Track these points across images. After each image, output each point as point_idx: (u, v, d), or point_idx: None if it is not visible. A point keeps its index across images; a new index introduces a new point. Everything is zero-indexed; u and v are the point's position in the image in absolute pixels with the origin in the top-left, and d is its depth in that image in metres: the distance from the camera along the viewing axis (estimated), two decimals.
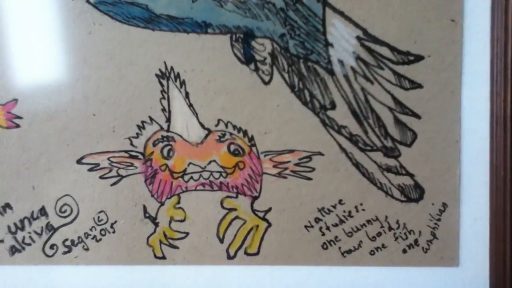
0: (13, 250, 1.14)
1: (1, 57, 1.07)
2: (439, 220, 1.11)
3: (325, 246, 1.12)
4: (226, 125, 1.08)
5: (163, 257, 1.13)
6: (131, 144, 1.10)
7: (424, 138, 1.09)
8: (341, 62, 1.05)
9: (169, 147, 1.09)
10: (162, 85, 1.07)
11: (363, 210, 1.12)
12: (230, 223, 1.12)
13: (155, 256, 1.13)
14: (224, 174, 1.09)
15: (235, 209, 1.11)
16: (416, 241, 1.12)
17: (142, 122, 1.09)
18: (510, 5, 1.01)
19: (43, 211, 1.13)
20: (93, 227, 1.13)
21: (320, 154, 1.09)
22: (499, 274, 1.09)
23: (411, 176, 1.10)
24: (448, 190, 1.10)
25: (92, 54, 1.06)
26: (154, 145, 1.10)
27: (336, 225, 1.12)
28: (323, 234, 1.12)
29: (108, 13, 1.04)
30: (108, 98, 1.08)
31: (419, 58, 1.06)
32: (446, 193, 1.10)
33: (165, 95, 1.07)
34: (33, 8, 1.05)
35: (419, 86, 1.07)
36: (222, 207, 1.11)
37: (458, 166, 1.09)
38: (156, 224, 1.12)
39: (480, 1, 1.04)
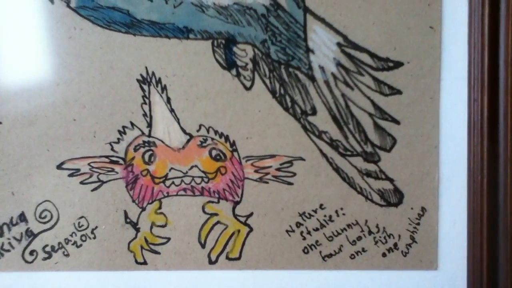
0: None
1: None
2: (418, 224, 1.10)
3: (306, 250, 1.10)
4: (208, 130, 1.06)
5: (145, 263, 1.10)
6: (112, 149, 1.07)
7: (403, 143, 1.07)
8: (322, 68, 1.03)
9: (150, 152, 1.06)
10: (143, 90, 1.04)
11: (343, 214, 1.10)
12: (212, 228, 1.09)
13: (136, 262, 1.10)
14: (205, 179, 1.06)
15: (216, 214, 1.08)
16: (395, 244, 1.10)
17: (123, 127, 1.06)
18: (487, 13, 1.00)
19: (22, 217, 1.09)
20: (73, 232, 1.09)
21: (301, 159, 1.07)
22: (476, 276, 1.08)
23: (391, 180, 1.08)
24: (427, 195, 1.09)
25: (72, 59, 1.02)
26: (135, 150, 1.07)
27: (317, 229, 1.10)
28: (304, 239, 1.09)
29: (89, 18, 1.01)
30: (89, 103, 1.04)
31: (398, 64, 1.04)
32: (425, 197, 1.09)
33: (147, 100, 1.04)
34: (13, 12, 1.02)
35: (399, 92, 1.05)
36: (204, 212, 1.08)
37: (437, 171, 1.08)
38: (137, 230, 1.09)
39: (458, 9, 1.02)
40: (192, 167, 1.07)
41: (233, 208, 1.09)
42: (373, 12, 1.02)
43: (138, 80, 1.04)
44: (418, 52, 1.03)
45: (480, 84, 1.03)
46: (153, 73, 1.03)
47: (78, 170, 1.07)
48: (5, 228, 1.09)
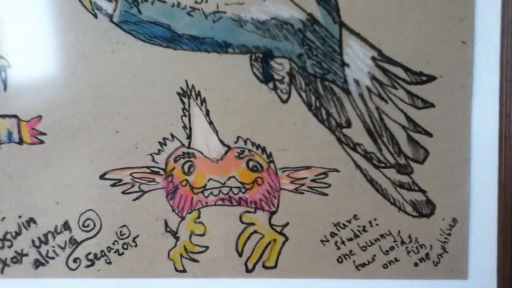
0: (37, 264, 1.06)
1: (27, 76, 0.99)
2: (449, 234, 1.04)
3: (340, 260, 1.05)
4: (245, 142, 1.01)
5: (184, 270, 1.05)
6: (153, 160, 1.02)
7: (435, 155, 1.01)
8: (356, 81, 0.98)
9: (189, 163, 1.01)
10: (183, 102, 0.99)
11: (377, 225, 1.04)
12: (248, 237, 1.04)
13: (176, 269, 1.05)
14: (243, 190, 1.01)
15: (253, 224, 1.04)
16: (427, 254, 1.04)
17: (164, 138, 1.01)
18: None
19: (66, 226, 1.05)
20: (115, 241, 1.05)
21: (336, 170, 1.02)
22: (506, 286, 1.02)
23: (423, 192, 1.02)
24: (458, 206, 1.03)
25: (115, 72, 0.98)
26: (175, 161, 1.02)
27: (351, 239, 1.04)
28: (338, 248, 1.04)
29: (131, 32, 0.97)
30: (130, 115, 1.00)
31: (431, 78, 0.99)
32: (456, 208, 1.03)
33: (186, 113, 0.99)
34: (58, 27, 0.98)
35: (431, 105, 1.00)
36: (241, 221, 1.04)
37: (468, 183, 1.02)
38: (177, 238, 1.05)
39: (490, 24, 0.97)
40: (229, 177, 1.02)
41: (269, 218, 1.04)
42: (406, 27, 0.97)
43: (178, 93, 1.00)
44: (451, 67, 0.98)
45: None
46: (192, 86, 0.99)
47: (120, 180, 1.03)
48: (49, 236, 1.05)
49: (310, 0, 0.96)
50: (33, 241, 1.05)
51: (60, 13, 0.97)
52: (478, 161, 1.02)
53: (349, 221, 1.04)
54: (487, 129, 1.01)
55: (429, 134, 1.01)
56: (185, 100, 1.00)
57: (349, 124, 1.00)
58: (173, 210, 1.04)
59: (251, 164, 1.02)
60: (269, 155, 1.02)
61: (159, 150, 1.02)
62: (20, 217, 1.05)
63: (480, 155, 1.02)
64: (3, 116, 1.01)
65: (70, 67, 0.99)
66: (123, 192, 1.03)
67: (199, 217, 1.04)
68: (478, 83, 0.99)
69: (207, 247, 1.05)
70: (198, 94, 0.99)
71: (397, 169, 1.02)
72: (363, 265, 1.05)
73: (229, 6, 0.96)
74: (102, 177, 1.03)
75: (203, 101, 1.00)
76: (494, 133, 1.00)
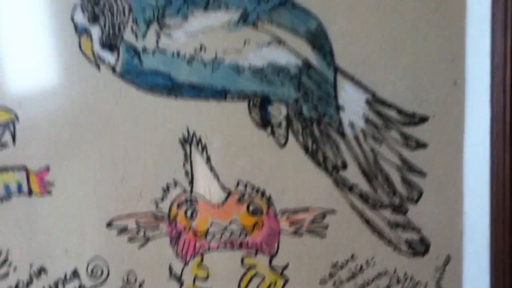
0: None
1: (34, 127, 0.76)
2: (443, 271, 0.82)
3: None
4: (245, 186, 0.78)
5: None
6: (157, 206, 0.78)
7: (429, 194, 0.80)
8: (351, 124, 0.78)
9: (192, 208, 0.78)
10: (185, 149, 0.76)
11: (373, 264, 0.81)
12: (250, 280, 0.80)
13: None
14: (244, 233, 0.78)
15: (254, 266, 0.80)
16: None
17: (167, 185, 0.77)
18: (509, 69, 0.74)
19: (75, 273, 0.80)
20: (122, 287, 0.79)
21: (334, 211, 0.79)
22: None
23: (418, 231, 0.81)
24: (452, 243, 0.82)
25: (119, 121, 0.76)
26: (178, 207, 0.78)
27: (349, 279, 0.81)
28: None
29: (134, 82, 0.75)
30: (134, 163, 0.77)
31: (424, 119, 0.78)
32: (450, 246, 0.82)
33: (188, 159, 0.76)
34: (62, 79, 0.76)
35: (424, 145, 0.79)
36: (243, 264, 0.80)
37: (461, 220, 0.81)
38: (181, 283, 0.80)
39: (480, 65, 0.76)
40: (231, 222, 0.79)
41: (270, 260, 0.80)
42: (399, 69, 0.77)
43: (180, 140, 0.77)
44: (443, 107, 0.78)
45: (502, 139, 0.77)
46: (193, 133, 0.76)
47: (126, 227, 0.79)
48: (60, 284, 0.80)
49: (305, 45, 0.75)
50: None
51: (64, 65, 0.75)
52: (471, 199, 0.81)
53: (347, 261, 0.81)
54: (479, 168, 0.79)
55: (423, 174, 0.80)
56: (187, 147, 0.76)
57: (345, 166, 0.78)
58: (177, 256, 0.80)
59: (251, 207, 0.79)
60: (269, 198, 0.79)
61: (162, 196, 0.78)
62: (31, 266, 0.79)
63: (473, 193, 0.81)
64: (13, 168, 0.76)
65: (75, 117, 0.76)
66: (129, 239, 0.79)
67: (202, 261, 0.80)
68: (470, 123, 0.78)
69: None
70: (199, 141, 0.77)
71: (392, 209, 0.80)
72: None
73: (227, 53, 0.73)
74: (108, 224, 0.78)
75: (204, 147, 0.77)
76: (486, 171, 0.79)
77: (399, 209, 0.79)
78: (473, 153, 0.78)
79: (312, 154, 0.77)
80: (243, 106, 0.76)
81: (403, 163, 0.78)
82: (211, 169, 0.77)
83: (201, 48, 0.73)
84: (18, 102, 0.74)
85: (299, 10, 0.73)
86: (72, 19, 0.72)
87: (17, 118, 0.75)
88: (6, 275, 0.79)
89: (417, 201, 0.79)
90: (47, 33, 0.73)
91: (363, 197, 0.78)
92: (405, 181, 0.78)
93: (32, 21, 0.73)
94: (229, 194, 0.78)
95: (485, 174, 0.78)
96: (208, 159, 0.76)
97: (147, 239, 0.79)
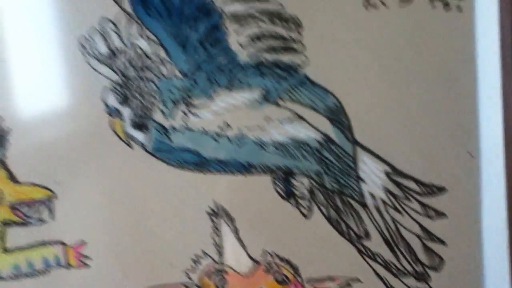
0: None
1: (72, 205, 0.80)
2: None
3: None
4: (272, 256, 0.80)
5: None
6: (188, 277, 0.81)
7: (450, 262, 0.81)
8: (372, 195, 0.80)
9: (221, 279, 0.81)
10: (213, 221, 0.79)
11: None
12: None
13: None
14: None
15: None
16: None
17: (197, 256, 0.80)
18: None
19: None
20: None
21: (358, 280, 0.81)
22: None
23: None
24: None
25: (150, 196, 0.80)
26: (208, 277, 0.81)
27: None
28: None
29: (164, 159, 0.80)
30: (165, 234, 0.80)
31: (441, 189, 0.80)
32: None
33: (217, 231, 0.79)
34: (94, 157, 0.80)
35: (443, 215, 0.81)
36: None
37: None
38: None
39: (495, 137, 0.78)
40: None
41: None
42: (415, 142, 0.80)
43: (208, 213, 0.80)
44: (459, 178, 0.80)
45: None
46: (221, 206, 0.79)
47: None
48: None
49: (324, 121, 0.78)
50: None
51: (96, 144, 0.79)
52: (491, 267, 0.82)
53: None
54: (498, 236, 0.80)
55: (443, 242, 0.81)
56: (215, 219, 0.80)
57: (367, 236, 0.81)
58: None
59: (278, 277, 0.81)
60: (295, 268, 0.81)
61: (192, 267, 0.81)
62: None
63: (492, 261, 0.81)
64: (50, 243, 0.80)
65: (109, 194, 0.80)
66: None
67: None
68: (486, 193, 0.80)
69: None
70: (226, 213, 0.80)
71: (415, 277, 0.81)
72: None
73: (251, 130, 0.77)
74: None
75: (231, 219, 0.80)
76: (503, 241, 0.80)
77: (422, 277, 0.80)
78: (491, 222, 0.79)
79: (335, 224, 0.79)
80: (267, 179, 0.79)
81: (423, 232, 0.79)
82: (239, 240, 0.79)
83: (226, 125, 0.77)
84: (56, 180, 0.78)
85: (318, 88, 0.78)
86: (104, 101, 0.77)
87: (54, 195, 0.79)
88: None
89: (438, 269, 0.80)
90: (79, 115, 0.78)
91: (387, 266, 0.80)
92: (427, 249, 0.80)
93: (65, 104, 0.78)
94: (256, 264, 0.80)
95: (503, 243, 0.79)
96: (236, 230, 0.79)
97: None
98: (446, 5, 0.76)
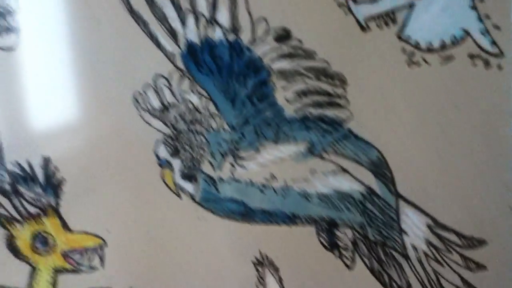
0: None
1: (120, 252, 0.85)
2: None
3: None
4: None
5: None
6: None
7: None
8: (414, 247, 0.81)
9: None
10: (258, 271, 0.81)
11: None
12: None
13: None
14: None
15: None
16: None
17: None
18: None
19: None
20: None
21: None
22: None
23: None
24: None
25: (197, 246, 0.84)
26: None
27: None
28: None
29: (211, 209, 0.82)
30: (212, 284, 0.84)
31: (482, 242, 0.80)
32: None
33: (261, 280, 0.82)
34: (143, 209, 0.83)
35: (484, 267, 0.81)
36: None
37: None
38: None
39: None
40: None
41: None
42: (456, 195, 0.81)
43: (253, 262, 0.82)
44: (500, 231, 0.80)
45: None
46: (266, 256, 0.81)
47: None
48: None
49: (368, 174, 0.80)
50: None
51: (147, 195, 0.83)
52: None
53: None
54: None
55: None
56: (260, 268, 0.82)
57: (409, 287, 0.81)
58: None
59: None
60: None
61: None
62: None
63: None
64: None
65: (158, 242, 0.84)
66: None
67: None
68: None
69: None
70: (271, 263, 0.81)
71: None
72: None
73: (296, 182, 0.79)
74: None
75: (276, 269, 0.82)
76: None
77: None
78: None
79: (378, 275, 0.81)
80: (311, 230, 0.81)
81: (464, 284, 0.81)
82: None
83: (272, 177, 0.80)
84: (107, 228, 0.80)
85: (361, 142, 0.80)
86: (156, 154, 0.80)
87: (105, 242, 0.81)
88: None
89: None
90: (131, 168, 0.81)
91: None
92: None
93: (119, 156, 0.81)
94: None
95: None
96: (280, 280, 0.81)
97: None
98: (487, 63, 0.78)
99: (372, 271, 0.80)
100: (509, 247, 0.79)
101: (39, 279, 0.81)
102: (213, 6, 0.76)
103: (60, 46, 0.79)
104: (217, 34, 0.77)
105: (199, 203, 0.81)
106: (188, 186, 0.80)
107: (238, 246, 0.81)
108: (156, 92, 0.78)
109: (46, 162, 0.79)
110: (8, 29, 0.75)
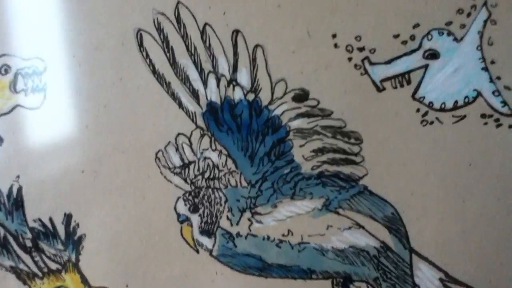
0: None
1: None
2: None
3: None
4: None
5: None
6: None
7: None
8: None
9: None
10: None
11: None
12: None
13: None
14: None
15: None
16: None
17: None
18: None
19: None
20: None
21: None
22: None
23: None
24: None
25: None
26: None
27: None
28: None
29: (228, 264, 0.83)
30: None
31: None
32: None
33: None
34: (160, 261, 0.81)
35: None
36: None
37: None
38: None
39: None
40: None
41: None
42: (469, 250, 0.83)
43: None
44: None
45: None
46: None
47: None
48: None
49: (382, 229, 0.82)
50: None
51: (165, 249, 0.84)
52: None
53: None
54: None
55: None
56: None
57: None
58: None
59: None
60: None
61: None
62: None
63: None
64: None
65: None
66: None
67: None
68: None
69: None
70: None
71: None
72: None
73: (312, 237, 0.80)
74: None
75: None
76: None
77: None
78: None
79: None
80: (327, 284, 0.83)
81: None
82: None
83: (288, 232, 0.81)
84: (128, 284, 0.82)
85: (376, 198, 0.82)
86: (175, 209, 0.81)
87: None
88: None
89: None
90: (150, 223, 0.82)
91: None
92: None
93: (139, 213, 0.82)
94: None
95: None
96: None
97: None
98: (497, 122, 0.81)
99: None
100: None
101: None
102: (234, 67, 0.78)
103: (80, 103, 0.80)
104: (237, 94, 0.79)
105: (216, 258, 0.82)
106: (206, 241, 0.82)
107: None
108: (177, 150, 0.79)
109: (68, 218, 0.79)
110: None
